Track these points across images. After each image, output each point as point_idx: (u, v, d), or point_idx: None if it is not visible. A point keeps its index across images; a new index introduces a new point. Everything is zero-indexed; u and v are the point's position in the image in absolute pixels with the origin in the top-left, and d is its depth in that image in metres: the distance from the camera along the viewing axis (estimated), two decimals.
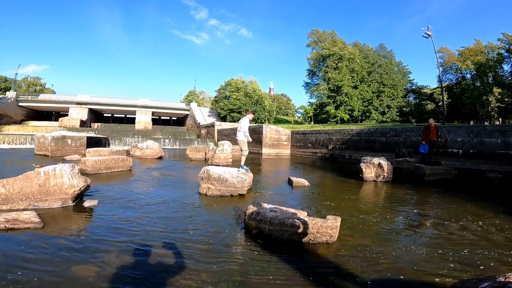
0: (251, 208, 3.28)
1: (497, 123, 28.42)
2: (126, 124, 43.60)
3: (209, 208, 4.40)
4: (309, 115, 39.23)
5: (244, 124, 6.26)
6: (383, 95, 36.52)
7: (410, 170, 8.58)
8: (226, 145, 10.96)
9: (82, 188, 4.44)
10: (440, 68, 31.41)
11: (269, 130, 18.67)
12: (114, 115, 49.39)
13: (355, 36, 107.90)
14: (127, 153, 12.09)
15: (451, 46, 41.72)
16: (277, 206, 3.38)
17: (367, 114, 35.95)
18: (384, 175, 7.33)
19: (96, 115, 43.00)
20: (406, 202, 5.16)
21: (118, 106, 40.37)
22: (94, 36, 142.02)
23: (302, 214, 3.17)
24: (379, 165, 7.37)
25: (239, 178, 5.12)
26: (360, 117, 35.76)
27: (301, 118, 49.40)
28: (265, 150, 18.11)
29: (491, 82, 30.00)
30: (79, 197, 4.50)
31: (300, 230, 2.94)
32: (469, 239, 3.14)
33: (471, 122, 30.93)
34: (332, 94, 35.38)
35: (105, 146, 17.19)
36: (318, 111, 37.41)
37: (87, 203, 4.23)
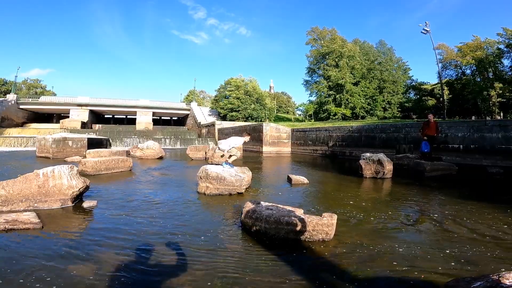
0: (248, 206, 3.29)
1: (498, 118, 28.23)
2: (127, 125, 43.76)
3: (207, 207, 4.42)
4: (309, 113, 39.16)
5: (235, 140, 6.14)
6: (384, 91, 36.43)
7: (410, 166, 8.56)
8: None
9: (81, 189, 4.47)
10: (440, 64, 31.28)
11: (269, 128, 18.67)
12: (115, 116, 49.53)
13: (355, 33, 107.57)
14: (127, 153, 12.13)
15: (449, 42, 41.64)
16: (274, 204, 3.39)
17: (370, 111, 35.87)
18: (384, 172, 7.32)
19: (97, 117, 43.14)
20: (404, 199, 5.14)
21: (118, 107, 40.51)
22: (94, 37, 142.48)
23: (298, 212, 3.18)
24: (379, 162, 7.36)
25: (238, 177, 5.13)
26: (362, 113, 35.65)
27: (301, 116, 49.34)
28: (265, 149, 18.12)
29: (491, 77, 29.84)
30: (78, 198, 4.53)
31: (295, 228, 2.94)
32: (467, 237, 3.10)
33: (473, 117, 30.75)
34: (332, 92, 35.30)
35: (106, 147, 17.25)
36: (318, 108, 37.33)
37: (86, 204, 4.26)
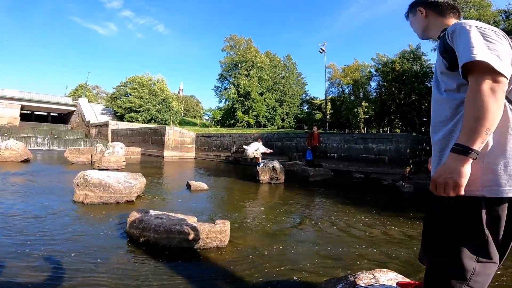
0: (133, 216, 2.98)
1: (363, 131, 35.59)
2: None
3: (84, 218, 3.76)
4: (216, 119, 39.57)
5: (256, 145, 9.13)
6: (284, 103, 40.50)
7: (298, 172, 9.73)
8: (118, 146, 9.71)
9: None
10: (327, 82, 37.17)
11: (173, 132, 17.82)
12: None
13: (268, 45, 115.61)
14: None
15: (339, 63, 49.45)
16: (164, 213, 3.19)
17: (271, 120, 39.05)
18: (277, 177, 8.03)
19: None
20: (293, 202, 5.70)
21: None
22: None
23: (191, 220, 3.09)
24: (273, 168, 8.04)
25: (127, 183, 4.61)
26: (264, 122, 38.45)
27: (209, 121, 49.35)
28: (167, 153, 17.18)
29: (361, 96, 37.22)
30: None
31: (188, 237, 2.84)
32: (338, 236, 3.60)
33: (346, 131, 37.70)
34: (241, 99, 36.81)
35: None
36: (226, 115, 38.19)
37: None
